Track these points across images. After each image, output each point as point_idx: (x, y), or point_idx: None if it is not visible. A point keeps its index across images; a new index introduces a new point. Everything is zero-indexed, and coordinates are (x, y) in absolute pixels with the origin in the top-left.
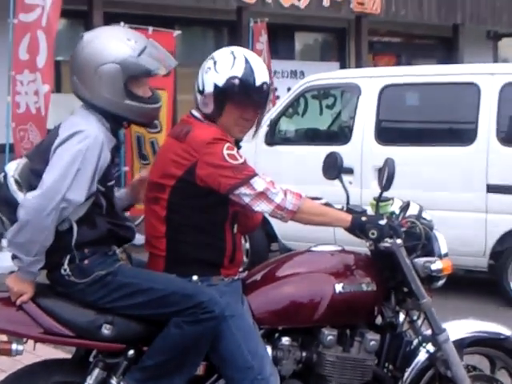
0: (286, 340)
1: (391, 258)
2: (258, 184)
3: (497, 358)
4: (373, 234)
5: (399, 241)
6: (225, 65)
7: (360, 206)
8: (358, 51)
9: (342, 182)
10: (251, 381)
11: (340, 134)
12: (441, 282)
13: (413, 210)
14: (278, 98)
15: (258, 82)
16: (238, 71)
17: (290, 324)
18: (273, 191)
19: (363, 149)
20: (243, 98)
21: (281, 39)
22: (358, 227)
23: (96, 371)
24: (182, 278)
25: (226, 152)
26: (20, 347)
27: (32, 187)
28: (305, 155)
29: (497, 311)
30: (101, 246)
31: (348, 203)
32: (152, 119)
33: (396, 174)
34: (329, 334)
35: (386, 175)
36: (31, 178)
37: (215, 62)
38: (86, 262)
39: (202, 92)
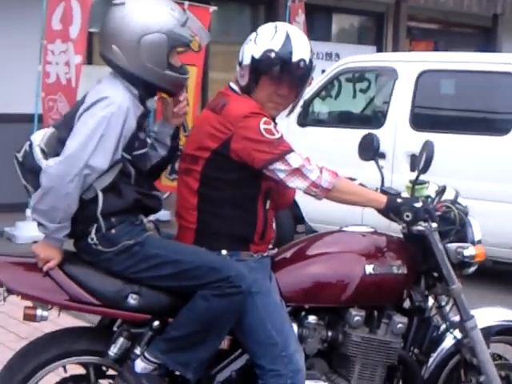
0: (312, 319)
1: (424, 242)
2: (294, 160)
3: None
4: (407, 216)
5: (434, 225)
6: (265, 37)
7: (394, 188)
8: (395, 36)
9: (377, 163)
10: (275, 357)
11: (374, 118)
12: (472, 269)
13: (448, 195)
14: (312, 79)
15: (294, 58)
16: (276, 44)
17: (318, 303)
18: (308, 168)
19: (397, 134)
20: (278, 72)
21: (318, 20)
22: (392, 209)
23: (120, 340)
24: (211, 252)
25: (262, 126)
26: (45, 313)
27: (58, 155)
28: (337, 138)
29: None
30: (128, 216)
31: (382, 185)
32: (181, 89)
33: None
34: (356, 315)
35: (425, 158)
36: (57, 147)
37: (257, 35)
38: (112, 231)
39: (240, 63)
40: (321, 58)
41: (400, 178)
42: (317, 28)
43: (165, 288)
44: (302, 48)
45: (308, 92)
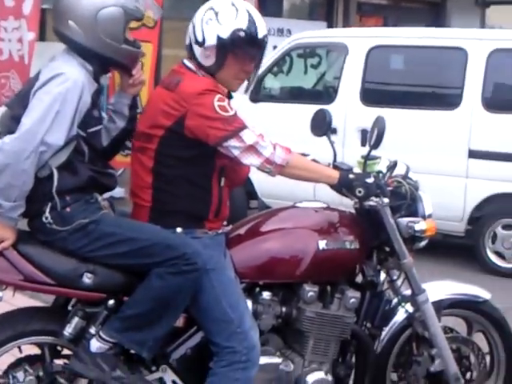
0: (266, 295)
1: (375, 217)
2: (248, 136)
3: (474, 320)
4: (359, 191)
5: (386, 200)
6: (228, 16)
7: (346, 163)
8: (345, 11)
9: (329, 139)
10: (230, 334)
11: (325, 93)
12: (423, 243)
13: (400, 170)
14: None
15: (260, 35)
16: (243, 23)
17: (272, 279)
18: (262, 144)
19: (347, 109)
20: (246, 50)
21: None
22: (345, 184)
23: (75, 320)
24: (167, 230)
25: (216, 103)
26: (0, 294)
27: (12, 133)
28: (289, 113)
29: (472, 276)
30: (83, 194)
31: (335, 160)
32: (135, 63)
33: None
34: (310, 290)
35: (376, 133)
36: (11, 125)
37: (217, 13)
38: (67, 209)
39: (201, 44)
40: (272, 34)
41: (351, 152)
42: (268, 4)
43: (120, 266)
44: (262, 23)
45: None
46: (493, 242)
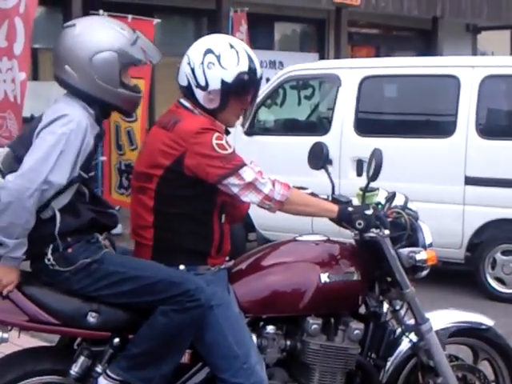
0: (270, 328)
1: (376, 248)
2: (247, 174)
3: (479, 348)
4: (359, 224)
5: (386, 231)
6: (230, 60)
7: (345, 196)
8: (337, 42)
9: (327, 171)
10: (237, 370)
11: (319, 124)
12: (424, 273)
13: (398, 201)
14: None
15: (259, 74)
16: (245, 66)
17: (276, 312)
18: (261, 181)
19: (342, 140)
20: (248, 90)
21: (260, 29)
22: (344, 217)
23: (81, 359)
24: (169, 267)
25: (215, 142)
26: (5, 335)
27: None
28: (284, 145)
29: (473, 302)
30: (84, 234)
31: (333, 193)
32: (136, 108)
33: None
34: (313, 323)
35: (374, 165)
36: (14, 165)
37: (218, 57)
38: (69, 250)
39: (204, 88)
40: (265, 67)
41: (347, 183)
42: (260, 37)
43: (124, 305)
44: (257, 61)
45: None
46: (492, 268)
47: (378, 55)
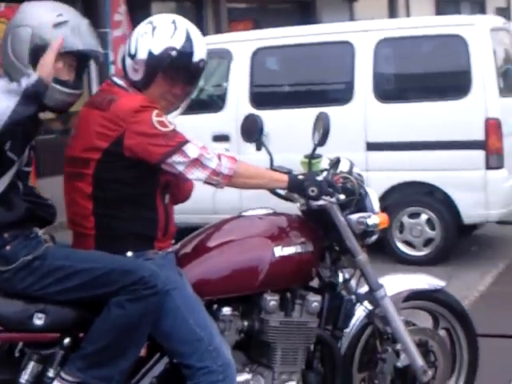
0: (226, 310)
1: (324, 217)
2: (191, 150)
3: (440, 315)
4: (312, 191)
5: (342, 196)
6: (164, 33)
7: (284, 166)
8: (216, 18)
9: (263, 144)
10: (202, 353)
11: (214, 101)
12: (374, 237)
13: (343, 166)
14: None
15: (195, 58)
16: (178, 42)
17: (231, 293)
18: (207, 157)
19: (238, 115)
20: (177, 71)
21: (138, 10)
22: (296, 186)
23: (31, 365)
24: (117, 255)
25: (155, 119)
26: None
27: None
28: (179, 125)
29: (383, 267)
30: (21, 229)
31: (272, 165)
32: (65, 105)
33: (273, 137)
34: (271, 299)
35: (322, 130)
36: None
37: (154, 28)
38: (7, 247)
39: (133, 56)
40: None
41: (247, 158)
42: (138, 18)
43: (72, 301)
44: (202, 47)
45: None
46: (400, 232)
47: (256, 29)
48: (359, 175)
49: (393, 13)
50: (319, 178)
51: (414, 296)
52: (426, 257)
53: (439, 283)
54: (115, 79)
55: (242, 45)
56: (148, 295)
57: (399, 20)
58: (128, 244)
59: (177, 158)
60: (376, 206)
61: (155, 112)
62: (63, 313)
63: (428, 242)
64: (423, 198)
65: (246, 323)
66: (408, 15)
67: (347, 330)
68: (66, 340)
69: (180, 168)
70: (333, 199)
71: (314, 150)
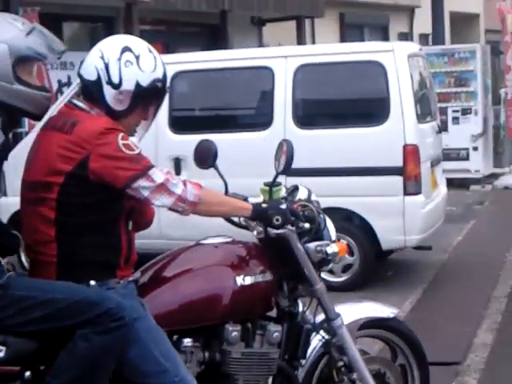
0: (187, 341)
1: (282, 245)
2: (157, 175)
3: (396, 347)
4: (277, 220)
5: (306, 224)
6: (149, 64)
7: (240, 194)
8: None
9: (217, 170)
10: None
11: None
12: (330, 266)
13: (302, 194)
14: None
15: (167, 85)
16: (159, 73)
17: (194, 323)
18: (173, 182)
19: (158, 138)
20: (156, 100)
21: (51, 30)
22: (260, 215)
23: None
24: (81, 285)
25: (121, 142)
26: None
27: None
28: None
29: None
30: None
31: (226, 191)
32: (44, 110)
33: (191, 163)
34: (233, 330)
35: (285, 158)
36: None
37: (137, 58)
38: None
39: (117, 86)
40: (55, 68)
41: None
42: None
43: (34, 333)
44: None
45: (57, 105)
46: None
47: (167, 52)
48: (317, 202)
49: (300, 38)
50: (283, 207)
51: (368, 324)
52: (345, 283)
53: (392, 311)
54: (75, 102)
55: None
56: (115, 327)
57: (319, 46)
58: (91, 272)
59: (142, 182)
60: (333, 234)
61: (121, 135)
62: (24, 345)
63: (347, 268)
64: (342, 224)
65: (206, 354)
66: (313, 40)
67: (305, 360)
68: (27, 373)
69: (145, 193)
70: (292, 228)
71: (276, 177)
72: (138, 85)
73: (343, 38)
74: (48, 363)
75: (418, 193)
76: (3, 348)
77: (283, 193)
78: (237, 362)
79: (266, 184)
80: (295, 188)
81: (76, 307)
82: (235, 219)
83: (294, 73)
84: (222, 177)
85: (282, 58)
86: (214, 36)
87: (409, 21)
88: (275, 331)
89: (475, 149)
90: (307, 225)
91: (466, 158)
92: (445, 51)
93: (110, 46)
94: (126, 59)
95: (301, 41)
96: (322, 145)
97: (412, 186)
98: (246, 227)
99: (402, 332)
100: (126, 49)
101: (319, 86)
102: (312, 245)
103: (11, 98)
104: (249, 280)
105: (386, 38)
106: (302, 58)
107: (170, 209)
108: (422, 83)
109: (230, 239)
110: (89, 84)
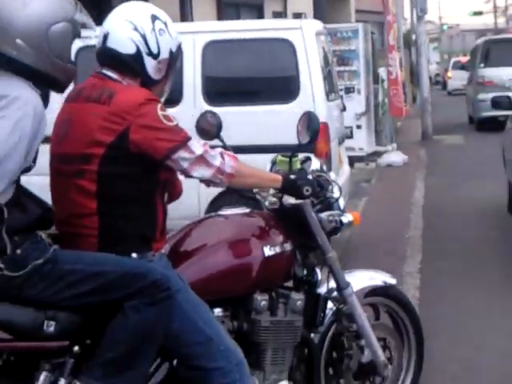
0: (218, 311)
1: (295, 215)
2: (196, 147)
3: (395, 313)
4: (307, 190)
5: (336, 194)
6: (173, 29)
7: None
8: None
9: (223, 141)
10: (214, 353)
11: None
12: (338, 234)
13: (315, 165)
14: None
15: None
16: (178, 38)
17: (226, 294)
18: (211, 154)
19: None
20: (176, 65)
21: None
22: (290, 185)
23: (43, 375)
24: (124, 257)
25: (160, 112)
26: None
27: None
28: None
29: None
30: (27, 233)
31: None
32: (69, 83)
33: None
34: (262, 300)
35: (310, 130)
36: None
37: (166, 25)
38: (18, 251)
39: (156, 56)
40: None
41: None
42: None
43: (84, 307)
44: None
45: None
46: None
47: None
48: (328, 173)
49: (184, 16)
50: (310, 177)
51: (372, 292)
52: None
53: (392, 279)
54: (106, 72)
55: None
56: (163, 298)
57: (227, 22)
58: (132, 245)
59: (182, 153)
60: (342, 203)
61: (159, 105)
62: (73, 319)
63: None
64: (250, 205)
65: (235, 324)
66: (192, 17)
67: (321, 327)
68: (76, 348)
69: (184, 164)
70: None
71: (298, 148)
72: (171, 52)
73: (220, 17)
74: (93, 337)
75: (328, 170)
76: (53, 323)
77: (299, 164)
78: (266, 330)
79: (284, 155)
80: (307, 159)
81: (124, 279)
82: (243, 191)
83: (202, 49)
84: (227, 148)
85: (189, 35)
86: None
87: (283, 0)
88: (298, 299)
89: (359, 127)
90: (336, 194)
91: (350, 137)
92: (328, 30)
93: (139, 16)
94: (159, 28)
95: (184, 16)
96: (233, 122)
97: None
98: (251, 198)
99: (401, 300)
100: (154, 17)
101: (229, 63)
102: (324, 214)
103: (63, 76)
104: (274, 250)
105: (261, 16)
106: (210, 34)
107: (208, 180)
108: (326, 61)
109: (247, 210)
110: (126, 57)
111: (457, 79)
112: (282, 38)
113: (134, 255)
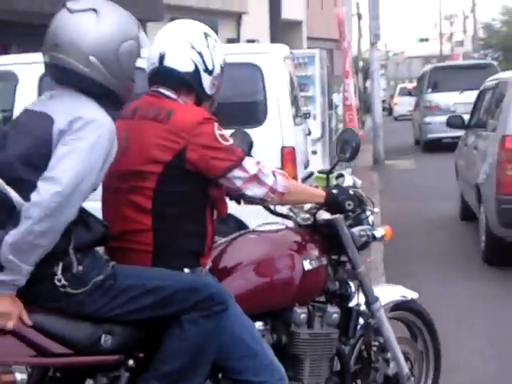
0: (259, 325)
1: (328, 230)
2: (250, 166)
3: (417, 328)
4: (349, 205)
5: (376, 209)
6: (219, 46)
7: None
8: None
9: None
10: (258, 368)
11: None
12: (365, 249)
13: (348, 181)
14: None
15: None
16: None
17: (268, 307)
18: (264, 173)
19: None
20: None
21: None
22: (333, 200)
23: None
24: (180, 272)
25: (217, 132)
26: (24, 376)
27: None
28: None
29: None
30: (88, 250)
31: None
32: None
33: None
34: (301, 313)
35: (353, 146)
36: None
37: (216, 41)
38: (80, 268)
39: (211, 72)
40: None
41: None
42: None
43: (139, 321)
44: None
45: None
46: None
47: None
48: (359, 189)
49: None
50: (351, 192)
51: (396, 307)
52: None
53: (413, 294)
54: (162, 91)
55: (29, 68)
56: (218, 311)
57: None
58: (183, 260)
59: (237, 172)
60: (371, 218)
61: (216, 125)
62: (128, 333)
63: None
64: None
65: (275, 337)
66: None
67: (352, 340)
68: (130, 361)
69: (238, 183)
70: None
71: (335, 165)
72: (221, 67)
73: None
74: (146, 350)
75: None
76: (110, 337)
77: (335, 180)
78: (304, 343)
79: (321, 172)
80: (340, 175)
81: (183, 293)
82: (271, 207)
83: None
84: None
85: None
86: None
87: (236, 26)
88: (334, 313)
89: (314, 152)
90: (377, 209)
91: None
92: None
93: (194, 34)
94: (212, 44)
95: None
96: None
97: None
98: (281, 215)
99: (422, 315)
100: (206, 35)
101: None
102: (355, 230)
103: (127, 94)
104: (313, 264)
105: None
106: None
107: (261, 199)
108: (292, 85)
109: (283, 226)
110: (185, 75)
111: (403, 105)
112: (250, 63)
113: (187, 270)
